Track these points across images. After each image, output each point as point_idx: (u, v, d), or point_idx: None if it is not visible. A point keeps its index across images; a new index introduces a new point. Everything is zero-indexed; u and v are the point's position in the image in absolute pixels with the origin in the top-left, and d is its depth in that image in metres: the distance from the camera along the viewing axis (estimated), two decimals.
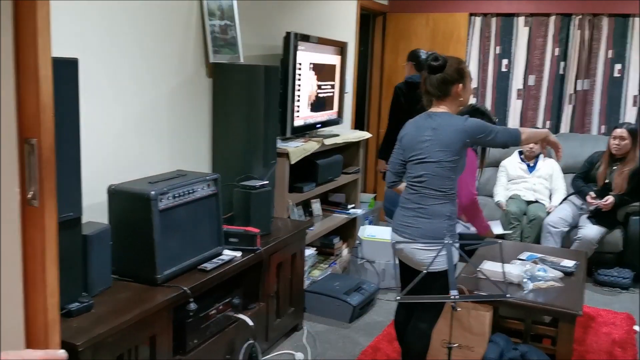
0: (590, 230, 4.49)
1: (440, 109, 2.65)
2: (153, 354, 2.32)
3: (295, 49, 3.69)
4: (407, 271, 2.79)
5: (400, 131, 2.75)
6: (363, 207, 4.99)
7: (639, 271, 4.60)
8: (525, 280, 3.09)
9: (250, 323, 2.83)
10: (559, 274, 3.23)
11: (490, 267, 3.22)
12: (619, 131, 4.52)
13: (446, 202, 2.61)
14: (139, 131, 2.86)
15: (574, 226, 4.66)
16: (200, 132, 3.31)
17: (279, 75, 3.41)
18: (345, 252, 4.76)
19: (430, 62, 2.62)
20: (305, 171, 4.01)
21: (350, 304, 3.72)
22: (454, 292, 2.22)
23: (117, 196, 2.46)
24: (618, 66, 5.35)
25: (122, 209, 2.45)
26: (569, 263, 3.43)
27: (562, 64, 5.53)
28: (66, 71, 1.94)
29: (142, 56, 2.83)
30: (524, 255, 3.56)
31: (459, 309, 2.59)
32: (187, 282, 2.48)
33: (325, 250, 4.56)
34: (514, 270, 3.15)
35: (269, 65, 3.30)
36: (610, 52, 5.35)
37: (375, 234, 4.45)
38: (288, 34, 3.66)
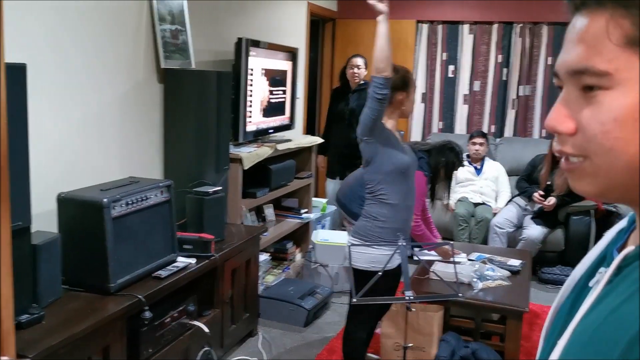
0: (534, 231, 4.66)
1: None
2: None
3: (247, 55, 3.69)
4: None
5: None
6: (315, 212, 5.03)
7: None
8: (475, 279, 3.18)
9: (206, 330, 2.82)
10: (507, 273, 3.35)
11: (442, 268, 3.31)
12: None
13: (373, 204, 2.61)
14: (89, 138, 2.81)
15: (519, 226, 4.83)
16: (151, 138, 3.26)
17: (231, 81, 3.40)
18: (298, 257, 4.78)
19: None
20: (258, 176, 4.00)
21: (305, 308, 3.74)
22: (408, 293, 2.27)
23: (67, 204, 2.40)
24: None
25: (73, 218, 2.40)
26: (515, 262, 3.56)
27: (505, 70, 5.72)
28: (14, 77, 1.89)
29: (92, 61, 2.77)
30: (473, 256, 3.66)
31: (413, 310, 2.65)
32: (141, 290, 2.44)
33: (278, 255, 4.56)
34: (465, 270, 3.24)
35: (221, 71, 3.30)
36: (549, 59, 5.57)
37: (329, 237, 4.49)
38: (239, 39, 3.66)
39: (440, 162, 3.39)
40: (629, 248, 0.60)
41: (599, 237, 3.73)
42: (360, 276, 2.44)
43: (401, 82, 2.60)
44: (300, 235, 4.80)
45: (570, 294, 0.70)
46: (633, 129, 0.54)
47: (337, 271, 4.38)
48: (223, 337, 3.16)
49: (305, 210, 4.79)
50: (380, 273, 2.29)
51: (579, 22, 0.58)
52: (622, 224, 0.69)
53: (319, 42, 6.17)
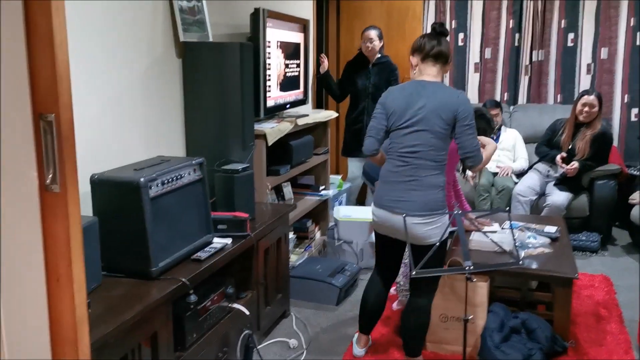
0: (558, 197, 4.57)
1: (432, 78, 2.59)
2: (155, 353, 2.16)
3: (265, 26, 3.53)
4: (388, 247, 2.74)
5: (383, 95, 2.66)
6: (332, 189, 4.91)
7: (606, 234, 4.73)
8: (515, 248, 3.07)
9: (247, 312, 2.70)
10: (547, 240, 3.25)
11: (478, 238, 3.21)
12: (590, 99, 4.54)
13: (439, 174, 2.56)
14: (111, 118, 2.65)
15: (542, 194, 4.73)
16: (172, 115, 3.11)
17: (252, 53, 3.25)
18: (318, 235, 4.66)
19: (438, 27, 2.61)
20: (278, 153, 3.87)
21: (336, 286, 3.63)
22: (468, 263, 2.16)
23: (102, 186, 2.26)
24: (571, 35, 5.45)
25: (108, 200, 2.26)
26: (551, 229, 3.46)
27: (516, 35, 5.59)
28: None
29: (109, 40, 2.61)
30: (506, 225, 3.56)
31: (474, 280, 2.54)
32: (182, 274, 2.32)
33: (299, 234, 4.45)
34: (505, 238, 3.14)
35: (243, 42, 3.14)
36: (563, 22, 5.44)
37: (351, 214, 4.37)
38: (257, 10, 3.50)
39: None
40: None
41: (623, 201, 3.69)
42: (418, 249, 2.36)
43: (449, 53, 2.64)
44: (319, 213, 4.68)
45: None
46: None
47: (361, 247, 4.27)
48: (259, 319, 3.05)
49: (323, 187, 4.67)
50: (437, 244, 2.19)
51: None
52: None
53: (324, 17, 6.00)
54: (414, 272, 2.12)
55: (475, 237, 3.19)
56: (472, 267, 2.13)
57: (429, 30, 2.68)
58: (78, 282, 1.21)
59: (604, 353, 2.98)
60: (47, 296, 1.19)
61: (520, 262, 2.23)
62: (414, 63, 2.63)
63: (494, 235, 3.12)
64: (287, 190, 4.42)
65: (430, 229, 2.50)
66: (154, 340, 2.15)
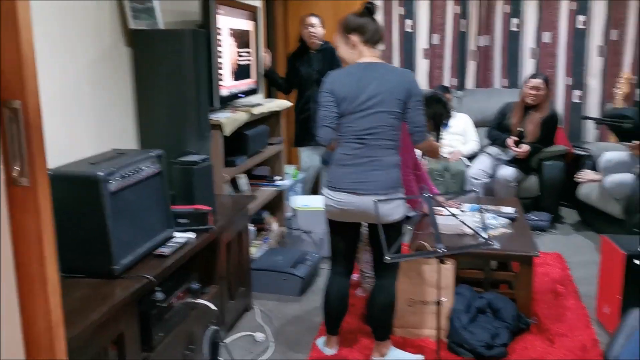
0: (506, 170, 4.68)
1: (376, 59, 2.59)
2: (122, 355, 2.06)
3: (216, 13, 3.42)
4: (344, 235, 2.71)
5: (325, 83, 2.61)
6: (287, 179, 4.84)
7: (556, 213, 4.87)
8: (479, 229, 3.11)
9: (214, 308, 2.62)
10: (507, 221, 3.30)
11: (443, 222, 3.22)
12: (536, 82, 4.66)
13: (396, 153, 2.59)
14: (58, 111, 2.50)
15: (493, 176, 4.82)
16: (123, 107, 2.97)
17: (206, 40, 3.14)
18: (275, 226, 4.60)
19: (373, 8, 2.59)
20: (233, 144, 3.77)
21: (299, 277, 3.59)
22: (440, 246, 2.16)
23: (57, 182, 2.10)
24: (515, 20, 5.56)
25: (64, 196, 2.12)
26: (509, 209, 3.52)
27: (462, 21, 5.66)
28: None
29: (52, 29, 2.45)
30: (465, 207, 3.60)
31: (448, 263, 2.54)
32: (147, 270, 2.21)
33: (257, 226, 4.37)
34: (467, 221, 3.16)
35: (196, 29, 3.03)
36: (507, 7, 5.54)
37: (309, 203, 4.33)
38: None
39: (428, 115, 3.29)
40: None
41: (570, 181, 3.82)
42: (377, 230, 2.38)
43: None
44: (275, 204, 4.61)
45: None
46: None
47: (321, 236, 4.23)
48: (224, 314, 2.97)
49: (279, 177, 4.60)
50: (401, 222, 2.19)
51: None
52: None
53: (270, 5, 5.90)
54: (388, 258, 2.10)
55: (440, 220, 3.20)
56: (445, 250, 2.13)
57: (377, 18, 2.67)
58: (52, 283, 1.12)
59: (565, 328, 3.06)
60: (19, 300, 1.10)
61: (491, 242, 2.24)
62: (352, 43, 2.59)
63: (456, 218, 3.14)
64: (243, 182, 4.33)
65: (394, 206, 2.53)
66: (121, 342, 2.05)
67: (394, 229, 2.53)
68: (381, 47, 2.66)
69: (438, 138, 3.50)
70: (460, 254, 2.88)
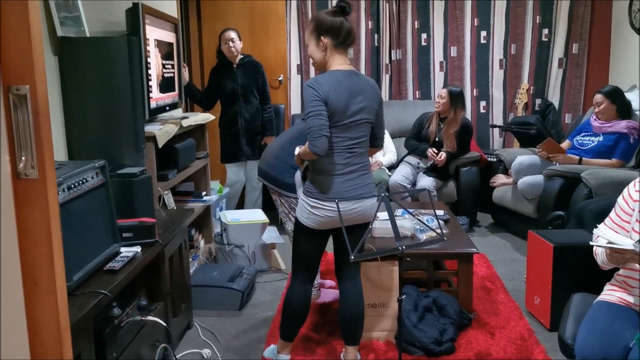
0: (425, 181, 4.87)
1: (348, 65, 2.54)
2: None
3: (144, 23, 3.33)
4: (320, 245, 2.69)
5: (315, 91, 2.40)
6: (213, 194, 4.75)
7: (473, 217, 5.12)
8: (418, 231, 3.21)
9: (164, 324, 2.51)
10: (442, 222, 3.42)
11: (379, 226, 3.29)
12: (441, 91, 4.97)
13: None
14: None
15: (414, 184, 5.00)
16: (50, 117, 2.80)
17: (140, 49, 3.04)
18: (202, 242, 4.49)
19: (348, 7, 2.48)
20: (162, 157, 3.66)
21: (238, 290, 3.52)
22: (400, 243, 2.20)
23: None
24: (424, 35, 5.83)
25: None
26: (440, 212, 3.66)
27: (375, 36, 5.85)
28: None
29: None
30: (397, 212, 3.69)
31: (408, 259, 2.58)
32: (99, 286, 2.09)
33: None
34: (406, 224, 3.25)
35: (131, 37, 2.93)
36: (416, 23, 5.80)
37: (239, 217, 4.27)
38: (135, 5, 3.28)
39: None
40: None
41: (483, 187, 4.08)
42: (363, 228, 2.47)
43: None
44: (201, 220, 4.50)
45: None
46: None
47: (253, 250, 4.18)
48: (169, 332, 2.85)
49: (205, 192, 4.50)
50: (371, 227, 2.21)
51: None
52: None
53: (184, 19, 5.81)
54: (352, 257, 2.11)
55: (376, 225, 3.27)
56: (404, 248, 2.18)
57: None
58: (60, 285, 1.04)
59: (502, 321, 3.21)
60: (25, 303, 1.01)
61: (446, 238, 2.32)
62: (324, 45, 2.46)
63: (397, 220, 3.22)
64: (168, 198, 4.19)
65: (376, 205, 2.58)
66: None
67: (364, 228, 2.55)
68: (351, 50, 2.61)
69: None
70: (415, 252, 2.94)
